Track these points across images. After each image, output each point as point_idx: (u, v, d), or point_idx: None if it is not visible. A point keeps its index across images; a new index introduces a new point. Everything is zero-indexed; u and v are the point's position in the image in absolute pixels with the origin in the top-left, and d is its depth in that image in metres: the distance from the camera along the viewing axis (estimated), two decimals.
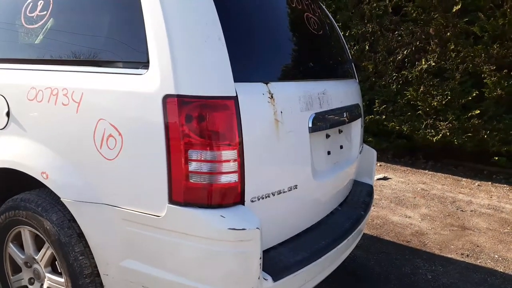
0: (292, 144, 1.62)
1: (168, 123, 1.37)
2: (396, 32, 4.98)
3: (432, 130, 4.89)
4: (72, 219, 1.65)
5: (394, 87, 5.12)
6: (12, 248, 1.88)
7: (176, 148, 1.37)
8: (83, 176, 1.56)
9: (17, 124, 1.70)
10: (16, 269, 1.95)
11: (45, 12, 1.73)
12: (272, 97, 1.53)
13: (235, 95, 1.40)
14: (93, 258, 1.64)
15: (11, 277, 1.94)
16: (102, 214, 1.54)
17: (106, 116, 1.48)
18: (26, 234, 1.80)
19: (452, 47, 4.61)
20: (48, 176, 1.60)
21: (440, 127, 4.83)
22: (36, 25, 1.70)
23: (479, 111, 4.59)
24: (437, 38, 4.68)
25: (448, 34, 4.60)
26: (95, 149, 1.51)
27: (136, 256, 1.52)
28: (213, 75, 1.41)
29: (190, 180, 1.38)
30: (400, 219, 3.67)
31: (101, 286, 1.66)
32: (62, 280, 1.71)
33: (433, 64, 4.71)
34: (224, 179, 1.39)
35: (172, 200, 1.40)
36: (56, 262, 1.71)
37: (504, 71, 4.40)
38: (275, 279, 1.49)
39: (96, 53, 1.56)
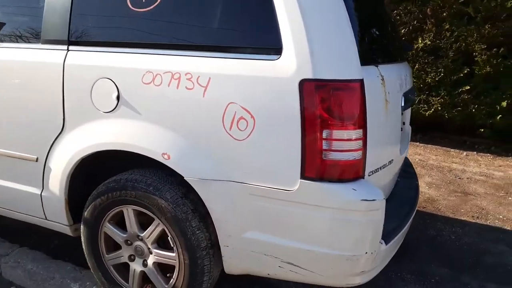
0: (393, 122, 1.80)
1: (304, 105, 1.49)
2: (395, 11, 5.22)
3: (425, 105, 5.25)
4: (184, 196, 1.76)
5: None
6: (109, 228, 1.94)
7: (312, 128, 1.50)
8: (208, 156, 1.65)
9: (129, 107, 1.74)
10: (110, 248, 2.01)
11: None
12: (383, 79, 1.68)
13: (362, 78, 1.54)
14: (207, 232, 1.76)
15: (106, 255, 2.00)
16: (228, 190, 1.65)
17: (237, 99, 1.57)
18: (130, 213, 1.87)
19: (447, 27, 4.93)
20: (169, 157, 1.68)
21: (432, 102, 5.19)
22: (150, 8, 1.73)
23: (468, 87, 4.98)
24: (433, 18, 4.97)
25: (444, 14, 4.90)
26: (224, 131, 1.60)
27: (260, 227, 1.65)
28: (343, 60, 1.54)
29: (323, 158, 1.52)
30: None
31: (214, 257, 1.79)
32: (173, 254, 1.82)
33: (429, 42, 5.01)
34: (352, 156, 1.54)
35: (304, 176, 1.54)
36: (168, 238, 1.80)
37: (494, 49, 4.79)
38: (386, 242, 1.70)
39: (223, 40, 1.63)
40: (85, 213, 1.95)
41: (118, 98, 1.75)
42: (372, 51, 1.76)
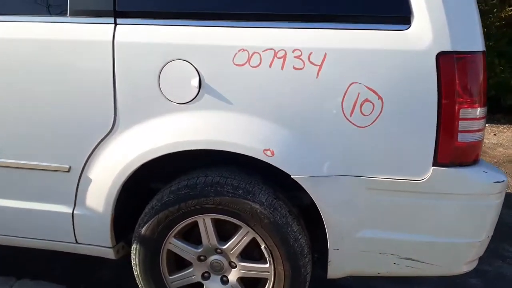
0: None
1: (442, 81, 1.34)
2: None
3: None
4: (277, 197, 1.52)
5: None
6: (177, 244, 1.59)
7: (449, 108, 1.36)
8: (321, 148, 1.42)
9: (215, 96, 1.40)
10: (172, 268, 1.66)
11: None
12: None
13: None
14: (305, 235, 1.54)
15: (169, 277, 1.64)
16: (344, 186, 1.44)
17: (361, 78, 1.36)
18: (208, 224, 1.54)
19: None
20: (273, 153, 1.41)
21: None
22: None
23: None
24: None
25: None
26: (343, 117, 1.38)
27: (379, 224, 1.48)
28: (472, 29, 1.40)
29: (458, 140, 1.39)
30: None
31: (312, 262, 1.58)
32: (266, 266, 1.55)
33: None
34: (478, 136, 1.43)
35: (437, 162, 1.40)
36: (262, 248, 1.52)
37: None
38: None
39: (339, 8, 1.39)
40: (142, 230, 1.57)
41: (199, 85, 1.40)
42: None
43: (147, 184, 1.73)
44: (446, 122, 1.36)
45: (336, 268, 1.56)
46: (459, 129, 1.38)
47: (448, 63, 1.33)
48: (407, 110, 1.37)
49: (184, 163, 1.59)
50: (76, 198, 1.58)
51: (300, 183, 1.44)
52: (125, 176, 1.50)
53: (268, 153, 1.40)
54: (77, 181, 1.56)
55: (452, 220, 1.46)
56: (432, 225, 1.47)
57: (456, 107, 1.35)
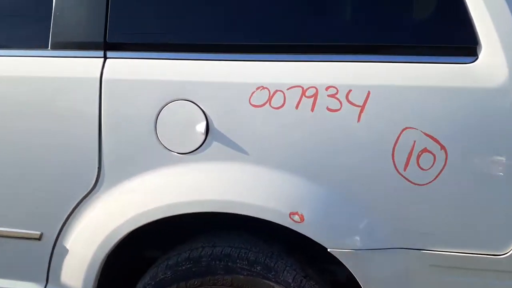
0: None
1: None
2: None
3: None
4: (306, 275, 1.18)
5: None
6: None
7: None
8: (366, 212, 1.10)
9: (226, 144, 1.11)
10: None
11: None
12: None
13: None
14: None
15: None
16: (399, 263, 1.10)
17: (417, 123, 1.05)
18: None
19: None
20: (303, 217, 1.08)
21: None
22: None
23: None
24: None
25: None
26: (394, 172, 1.06)
27: None
28: None
29: None
30: None
31: None
32: None
33: None
34: None
35: None
36: None
37: None
38: None
39: (384, 37, 1.14)
40: None
41: (207, 130, 1.10)
42: None
43: (139, 252, 1.40)
44: None
45: None
46: None
47: None
48: (479, 164, 1.06)
49: (186, 226, 1.27)
50: (49, 273, 1.26)
51: (340, 259, 1.10)
52: (110, 246, 1.18)
53: (296, 217, 1.08)
54: (50, 251, 1.23)
55: None
56: None
57: None
